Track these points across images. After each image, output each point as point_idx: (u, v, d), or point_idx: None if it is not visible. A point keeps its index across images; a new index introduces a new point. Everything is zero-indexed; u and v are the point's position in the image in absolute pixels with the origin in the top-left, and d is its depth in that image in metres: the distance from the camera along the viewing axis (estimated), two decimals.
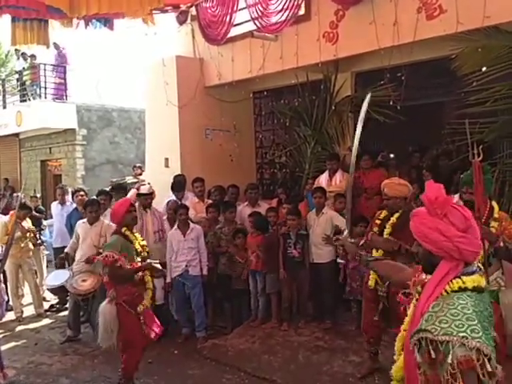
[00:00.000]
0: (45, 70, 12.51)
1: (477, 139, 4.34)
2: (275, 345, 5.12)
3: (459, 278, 1.66)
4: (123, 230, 4.15)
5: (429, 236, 1.71)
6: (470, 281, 1.67)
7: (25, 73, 13.05)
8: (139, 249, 4.23)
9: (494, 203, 3.51)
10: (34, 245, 6.85)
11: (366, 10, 5.53)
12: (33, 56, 12.68)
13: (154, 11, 6.24)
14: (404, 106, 6.12)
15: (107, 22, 5.77)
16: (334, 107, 6.90)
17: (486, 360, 1.51)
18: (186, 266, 5.48)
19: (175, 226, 5.61)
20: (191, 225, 5.62)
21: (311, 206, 5.89)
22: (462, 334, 1.51)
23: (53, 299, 7.17)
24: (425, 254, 1.77)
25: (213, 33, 6.80)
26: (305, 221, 5.69)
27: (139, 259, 4.17)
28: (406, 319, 1.85)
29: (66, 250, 6.17)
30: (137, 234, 4.36)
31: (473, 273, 1.70)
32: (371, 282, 4.01)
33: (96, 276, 5.48)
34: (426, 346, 1.57)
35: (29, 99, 12.80)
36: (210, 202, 6.40)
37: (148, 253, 4.38)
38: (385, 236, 3.98)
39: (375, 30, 5.45)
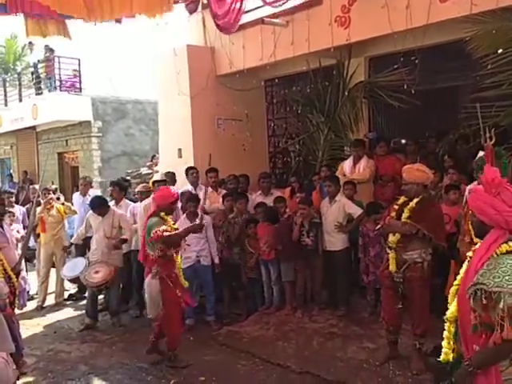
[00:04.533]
0: (59, 62, 12.63)
1: (492, 123, 4.27)
2: (289, 331, 5.15)
3: (506, 243, 2.04)
4: (162, 214, 4.50)
5: (483, 209, 2.12)
6: None
7: (40, 66, 13.18)
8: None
9: None
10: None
11: None
12: (51, 50, 12.80)
13: None
14: (418, 90, 6.02)
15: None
16: (347, 93, 6.81)
17: None
18: (197, 256, 5.53)
19: (184, 215, 5.65)
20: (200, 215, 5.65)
21: (325, 194, 5.86)
22: (511, 286, 1.91)
23: (71, 288, 7.32)
24: (478, 223, 2.21)
25: (224, 21, 6.74)
26: (318, 209, 5.67)
27: None
28: (459, 276, 2.28)
29: (71, 240, 6.43)
30: (169, 218, 4.65)
31: None
32: (392, 267, 3.99)
33: (110, 268, 5.58)
34: (480, 295, 1.97)
35: (43, 92, 12.94)
36: (225, 191, 6.41)
37: None
38: (403, 220, 3.96)
39: (388, 14, 5.36)
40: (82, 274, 5.62)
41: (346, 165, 6.20)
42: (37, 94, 13.27)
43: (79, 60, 12.88)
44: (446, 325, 2.34)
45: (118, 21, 5.75)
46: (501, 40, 4.92)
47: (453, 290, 2.32)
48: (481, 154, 4.47)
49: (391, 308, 4.11)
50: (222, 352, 4.91)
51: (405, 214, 3.96)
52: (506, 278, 1.94)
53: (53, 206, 6.83)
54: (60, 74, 12.69)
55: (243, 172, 6.82)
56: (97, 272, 5.58)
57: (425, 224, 3.87)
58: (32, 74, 13.74)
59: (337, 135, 7.03)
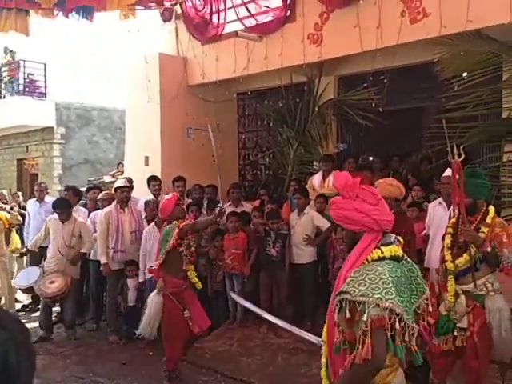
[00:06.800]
0: (24, 66, 12.25)
1: (456, 143, 4.38)
2: (254, 347, 5.04)
3: (378, 248, 1.84)
4: (174, 223, 4.26)
5: (349, 216, 1.89)
6: (388, 250, 1.84)
7: (3, 69, 12.74)
8: None
9: (491, 208, 3.34)
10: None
11: (350, 12, 5.55)
12: (12, 52, 12.41)
13: (137, 7, 6.13)
14: (386, 110, 6.15)
15: (88, 13, 5.62)
16: (317, 110, 6.90)
17: (396, 319, 1.68)
18: None
19: (152, 223, 5.47)
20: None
21: (294, 206, 5.84)
22: (377, 296, 1.67)
23: (25, 299, 6.94)
24: (349, 235, 1.97)
25: (203, 32, 6.73)
26: (287, 221, 5.63)
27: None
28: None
29: (27, 246, 6.07)
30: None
31: (390, 243, 1.87)
32: None
33: (65, 278, 5.34)
34: (345, 307, 1.73)
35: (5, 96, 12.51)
36: (190, 201, 6.29)
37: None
38: None
39: (359, 33, 5.47)
40: (36, 283, 5.33)
41: (316, 179, 6.23)
42: None
43: (45, 64, 12.53)
44: (323, 348, 2.05)
45: (90, 19, 5.62)
46: (467, 63, 5.12)
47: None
48: (448, 171, 4.56)
49: None
50: (182, 367, 4.68)
51: None
52: (373, 286, 1.69)
53: None
54: (24, 78, 12.29)
55: (211, 183, 6.72)
56: (52, 282, 5.32)
57: None
58: None
59: (306, 150, 7.08)
